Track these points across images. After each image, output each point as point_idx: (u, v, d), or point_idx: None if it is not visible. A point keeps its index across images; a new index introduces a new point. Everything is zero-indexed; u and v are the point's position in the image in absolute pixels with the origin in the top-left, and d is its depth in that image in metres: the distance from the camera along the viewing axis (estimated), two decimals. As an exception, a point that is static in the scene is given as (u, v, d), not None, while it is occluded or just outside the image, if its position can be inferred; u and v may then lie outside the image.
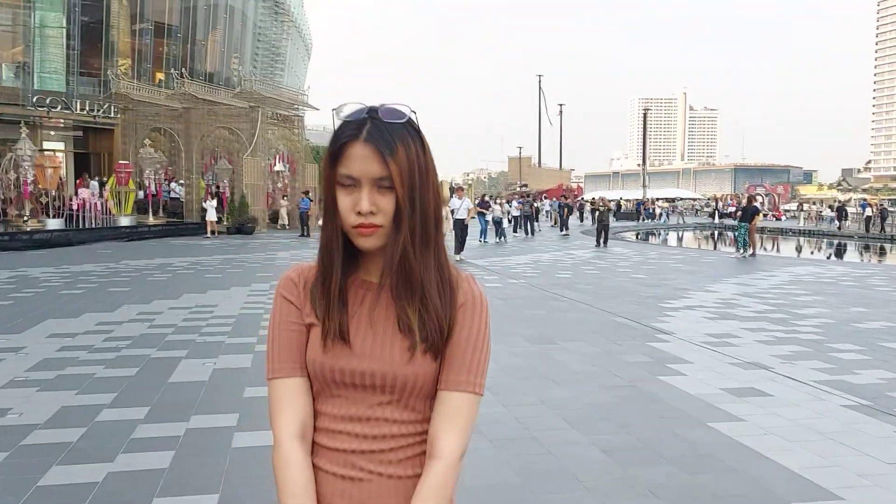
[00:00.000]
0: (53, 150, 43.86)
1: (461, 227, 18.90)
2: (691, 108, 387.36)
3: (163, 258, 18.33)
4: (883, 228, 38.42)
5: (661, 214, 52.02)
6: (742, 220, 21.04)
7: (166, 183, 35.68)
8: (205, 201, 29.19)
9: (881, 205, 44.31)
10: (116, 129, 37.54)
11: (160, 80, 41.94)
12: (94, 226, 26.03)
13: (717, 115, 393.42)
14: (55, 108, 37.07)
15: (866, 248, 33.60)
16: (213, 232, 27.28)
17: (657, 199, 61.18)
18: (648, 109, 58.81)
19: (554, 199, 47.04)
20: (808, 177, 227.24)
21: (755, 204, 21.71)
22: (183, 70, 34.66)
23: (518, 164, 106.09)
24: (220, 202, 31.43)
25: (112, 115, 37.25)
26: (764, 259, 21.08)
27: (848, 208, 46.53)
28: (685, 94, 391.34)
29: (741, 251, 20.79)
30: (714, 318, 9.84)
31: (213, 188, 33.49)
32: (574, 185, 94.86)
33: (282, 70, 72.10)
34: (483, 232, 26.10)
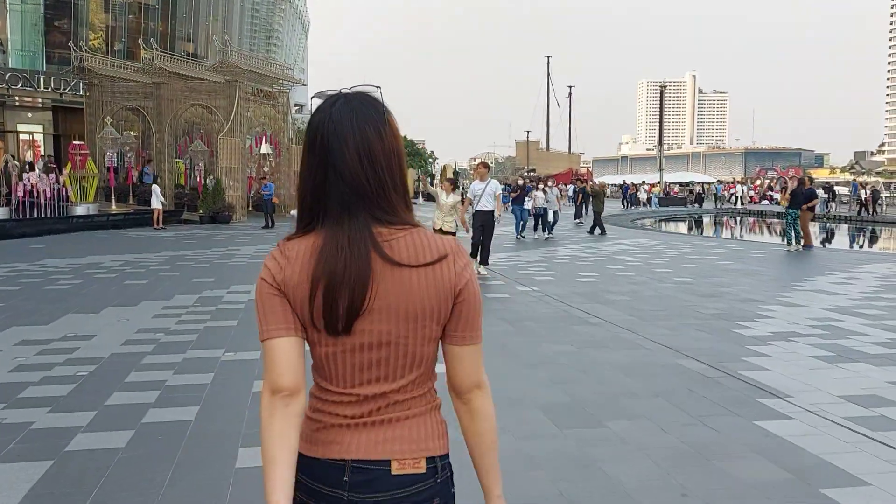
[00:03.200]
0: (31, 133, 40.92)
1: (486, 224, 12.46)
2: (700, 91, 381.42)
3: (97, 255, 15.05)
4: (875, 211, 37.54)
5: (649, 200, 48.13)
6: (792, 206, 17.55)
7: (139, 167, 32.42)
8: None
9: (873, 187, 42.99)
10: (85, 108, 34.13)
11: (130, 54, 38.53)
12: (43, 215, 22.76)
13: (726, 97, 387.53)
14: (15, 84, 33.75)
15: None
16: (156, 221, 23.63)
17: (642, 183, 57.53)
18: (665, 87, 54.98)
19: (564, 184, 43.68)
20: (819, 160, 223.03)
21: (809, 186, 18.16)
22: (153, 41, 31.17)
23: (526, 148, 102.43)
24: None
25: (80, 92, 33.87)
26: (822, 254, 17.66)
27: (837, 189, 45.96)
28: (694, 76, 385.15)
29: (794, 244, 17.37)
30: (830, 360, 6.48)
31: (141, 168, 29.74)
32: (583, 170, 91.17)
33: (277, 49, 68.68)
34: (520, 225, 20.94)
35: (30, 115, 41.49)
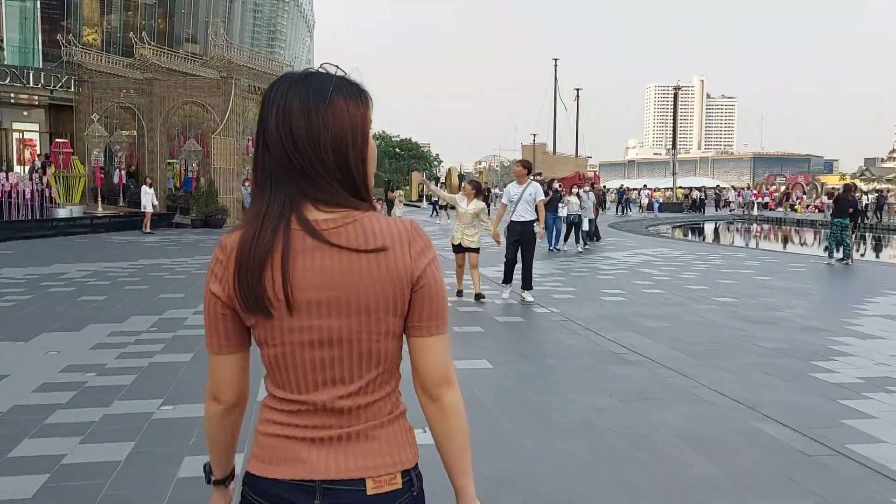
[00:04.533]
0: (22, 132, 39.52)
1: (524, 237, 9.91)
2: (708, 96, 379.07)
3: (64, 264, 13.56)
4: (881, 218, 36.81)
5: (650, 205, 45.87)
6: (837, 215, 15.88)
7: (132, 167, 30.98)
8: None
9: (879, 192, 41.92)
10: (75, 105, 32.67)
11: (126, 52, 37.09)
12: (21, 218, 21.29)
13: (734, 102, 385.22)
14: (4, 80, 32.31)
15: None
16: (146, 225, 22.19)
17: (643, 187, 55.48)
18: (679, 89, 53.30)
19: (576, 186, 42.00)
20: (829, 166, 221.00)
21: (854, 195, 16.51)
22: (144, 35, 29.69)
23: (532, 151, 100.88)
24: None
25: (70, 89, 32.42)
26: (865, 267, 16.05)
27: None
28: (702, 81, 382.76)
29: (840, 257, 15.74)
30: (956, 423, 4.91)
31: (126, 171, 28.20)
32: (591, 174, 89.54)
33: (282, 49, 67.28)
34: (553, 236, 18.04)
35: (25, 113, 40.15)
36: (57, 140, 24.98)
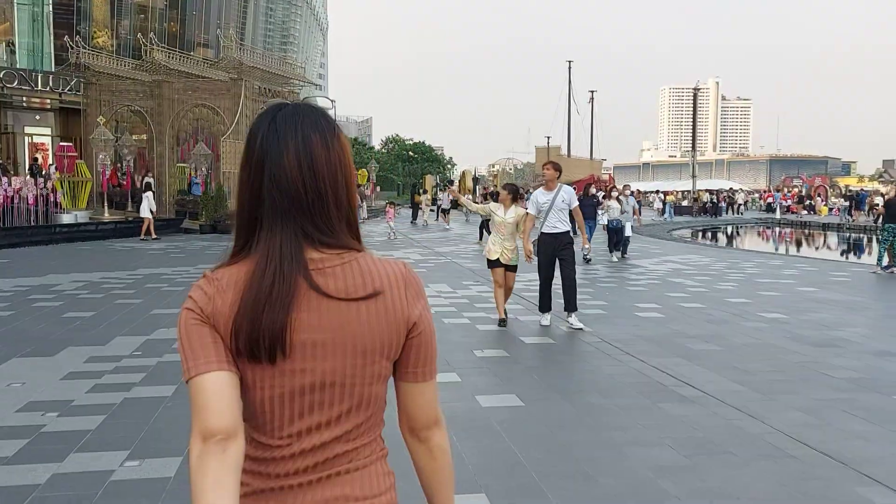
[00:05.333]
0: (31, 135, 39.02)
1: (560, 252, 8.45)
2: (723, 98, 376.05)
3: (58, 274, 12.76)
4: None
5: (664, 209, 43.24)
6: (889, 221, 14.76)
7: (142, 172, 30.30)
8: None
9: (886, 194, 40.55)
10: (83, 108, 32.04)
11: (136, 54, 36.53)
12: (23, 224, 20.55)
13: (750, 104, 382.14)
14: (12, 83, 31.77)
15: None
16: (147, 232, 21.39)
17: (656, 191, 53.25)
18: (698, 89, 52.07)
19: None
20: (846, 168, 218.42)
21: (902, 197, 15.38)
22: (153, 36, 29.00)
23: (546, 153, 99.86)
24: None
25: (79, 91, 31.80)
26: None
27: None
28: (717, 83, 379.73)
29: (886, 265, 14.67)
30: None
31: (142, 177, 27.36)
32: (605, 176, 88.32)
33: (294, 52, 66.71)
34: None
35: (38, 117, 39.75)
36: (61, 143, 24.29)
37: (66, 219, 22.34)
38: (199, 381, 1.17)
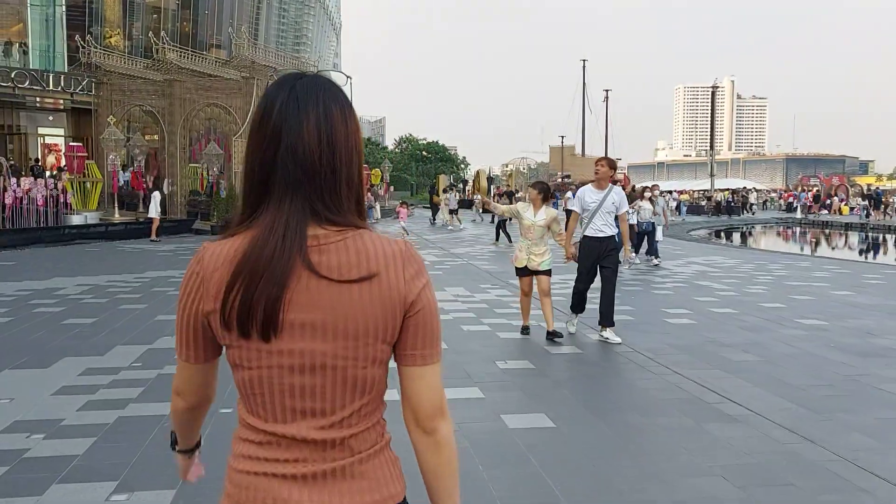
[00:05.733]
0: (42, 136, 38.90)
1: (603, 257, 7.63)
2: (739, 97, 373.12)
3: (64, 277, 12.40)
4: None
5: (678, 207, 42.16)
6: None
7: (153, 173, 30.01)
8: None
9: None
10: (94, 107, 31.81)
11: (148, 54, 36.34)
12: (32, 225, 20.24)
13: (765, 103, 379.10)
14: (22, 83, 31.60)
15: None
16: (154, 232, 21.04)
17: (670, 192, 51.56)
18: (717, 87, 51.24)
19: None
20: (864, 167, 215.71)
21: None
22: (163, 34, 28.68)
23: (560, 153, 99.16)
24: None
25: (90, 91, 31.57)
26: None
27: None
28: (732, 81, 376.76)
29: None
30: None
31: (153, 177, 27.03)
32: (620, 175, 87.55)
33: (307, 52, 66.43)
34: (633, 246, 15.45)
35: (51, 118, 39.67)
36: (70, 144, 24.02)
37: (76, 220, 22.07)
38: (181, 365, 1.34)
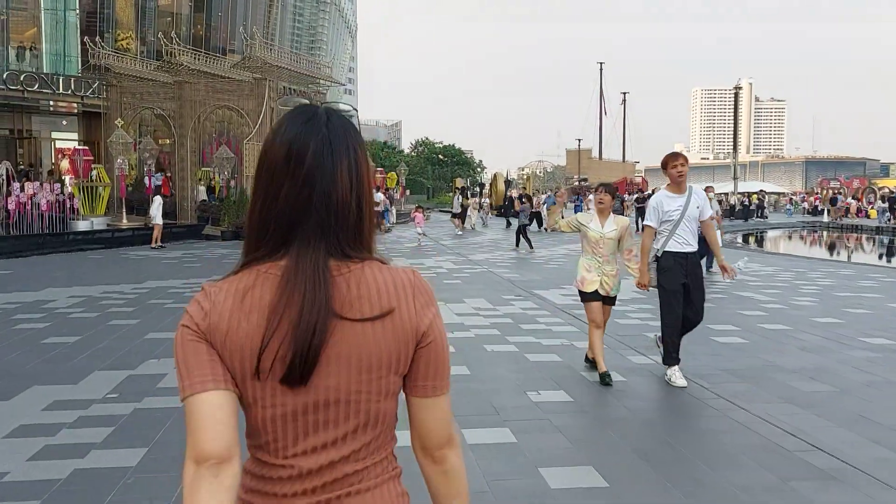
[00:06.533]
0: (53, 140, 38.43)
1: (691, 276, 6.13)
2: (757, 99, 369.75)
3: (58, 288, 11.64)
4: None
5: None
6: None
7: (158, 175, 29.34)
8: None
9: None
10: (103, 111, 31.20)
11: (159, 56, 35.78)
12: (38, 231, 19.54)
13: (784, 105, 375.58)
14: (31, 87, 31.06)
15: None
16: (156, 240, 20.26)
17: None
18: (740, 88, 49.94)
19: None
20: (885, 169, 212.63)
21: None
22: (174, 34, 28.00)
23: (577, 156, 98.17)
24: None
25: (101, 94, 30.96)
26: None
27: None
28: (750, 84, 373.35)
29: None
30: None
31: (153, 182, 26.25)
32: (639, 179, 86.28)
33: (323, 55, 65.88)
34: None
35: (65, 122, 39.25)
36: (75, 147, 23.37)
37: (82, 226, 21.37)
38: (194, 402, 1.14)
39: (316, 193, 1.18)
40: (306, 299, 1.14)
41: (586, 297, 6.23)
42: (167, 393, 5.63)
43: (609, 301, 6.28)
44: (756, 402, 5.46)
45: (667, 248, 6.09)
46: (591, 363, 6.43)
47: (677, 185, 6.20)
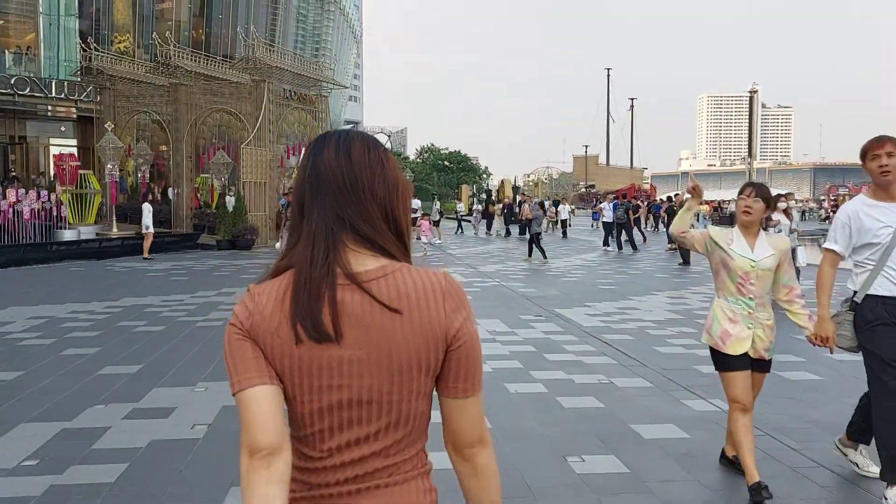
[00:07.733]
0: (48, 145, 37.34)
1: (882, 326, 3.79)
2: (763, 106, 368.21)
3: (21, 307, 10.41)
4: None
5: (698, 217, 38.02)
6: None
7: (160, 184, 28.19)
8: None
9: None
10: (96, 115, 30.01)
11: (154, 59, 34.62)
12: (18, 242, 18.30)
13: (791, 111, 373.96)
14: (23, 90, 29.92)
15: None
16: (146, 251, 18.94)
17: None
18: (755, 91, 48.74)
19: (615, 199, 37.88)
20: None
21: None
22: (169, 35, 26.82)
23: (584, 162, 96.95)
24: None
25: (92, 98, 29.80)
26: None
27: None
28: (757, 90, 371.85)
29: None
30: None
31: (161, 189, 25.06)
32: (647, 186, 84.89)
33: (327, 60, 64.86)
34: None
35: (63, 128, 38.16)
36: (61, 153, 22.16)
37: (68, 235, 20.16)
38: (243, 397, 1.21)
39: (307, 170, 1.30)
40: (318, 256, 1.22)
41: (728, 362, 3.96)
42: (102, 458, 4.34)
43: (762, 367, 4.05)
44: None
45: (871, 291, 3.84)
46: (732, 463, 4.28)
47: (884, 189, 3.85)
